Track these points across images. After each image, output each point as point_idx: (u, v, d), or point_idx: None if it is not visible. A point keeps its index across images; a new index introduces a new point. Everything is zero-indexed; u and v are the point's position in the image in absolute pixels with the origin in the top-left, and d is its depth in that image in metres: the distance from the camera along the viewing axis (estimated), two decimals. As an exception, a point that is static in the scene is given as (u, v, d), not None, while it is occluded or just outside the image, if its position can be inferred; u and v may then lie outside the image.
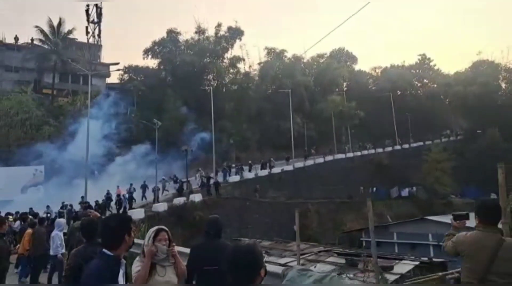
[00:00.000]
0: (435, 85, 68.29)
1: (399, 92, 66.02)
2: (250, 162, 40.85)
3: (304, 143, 50.32)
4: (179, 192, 30.42)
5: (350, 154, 49.60)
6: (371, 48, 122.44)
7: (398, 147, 54.80)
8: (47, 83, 46.13)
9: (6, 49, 48.17)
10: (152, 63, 53.98)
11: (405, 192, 45.46)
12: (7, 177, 32.26)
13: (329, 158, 47.08)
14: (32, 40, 46.93)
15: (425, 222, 27.60)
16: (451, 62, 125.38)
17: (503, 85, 60.65)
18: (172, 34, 53.69)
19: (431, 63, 73.01)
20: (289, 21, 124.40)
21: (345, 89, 68.11)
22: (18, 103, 38.18)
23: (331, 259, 17.48)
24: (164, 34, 53.81)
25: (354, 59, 73.93)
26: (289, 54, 62.95)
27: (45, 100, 43.72)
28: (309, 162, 44.76)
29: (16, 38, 48.84)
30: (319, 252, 18.77)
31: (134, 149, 36.87)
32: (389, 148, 53.64)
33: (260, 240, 23.17)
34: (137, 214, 23.56)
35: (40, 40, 45.40)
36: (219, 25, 54.76)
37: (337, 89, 64.09)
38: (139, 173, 32.72)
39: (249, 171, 39.27)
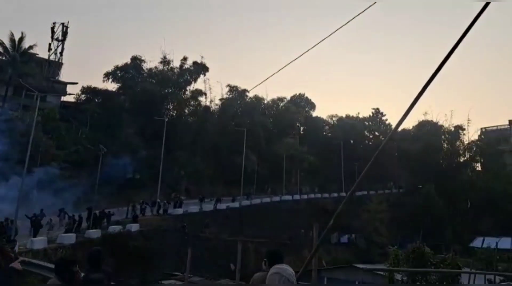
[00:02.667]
0: (384, 139, 72.25)
1: (352, 141, 69.32)
2: (200, 196, 41.38)
3: (254, 181, 51.38)
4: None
5: (297, 196, 51.05)
6: (328, 94, 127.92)
7: (343, 194, 56.94)
8: (-1, 96, 45.16)
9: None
10: (111, 86, 54.18)
11: (344, 239, 47.05)
12: None
13: (276, 198, 48.26)
14: (-12, 51, 46.21)
15: (353, 270, 28.85)
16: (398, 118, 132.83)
17: (445, 146, 65.17)
18: (136, 61, 54.40)
19: (384, 117, 77.52)
20: (253, 61, 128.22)
21: (301, 132, 70.78)
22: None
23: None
24: (128, 60, 54.46)
25: (312, 106, 77.08)
26: (250, 94, 65.07)
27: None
28: (256, 200, 45.75)
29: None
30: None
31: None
32: (335, 194, 55.65)
33: (190, 275, 23.39)
34: (67, 239, 23.42)
35: (-1, 52, 44.83)
36: (184, 58, 56.15)
37: (293, 133, 66.43)
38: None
39: (201, 203, 39.76)
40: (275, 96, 70.51)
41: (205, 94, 58.46)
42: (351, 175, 60.13)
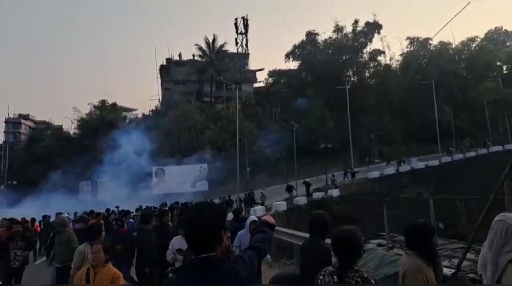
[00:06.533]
0: None
1: None
2: (388, 159, 41.10)
3: (453, 136, 47.40)
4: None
5: (509, 146, 44.85)
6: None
7: None
8: (207, 92, 53.78)
9: (174, 65, 57.67)
10: (293, 65, 57.62)
11: None
12: (180, 174, 39.37)
13: (483, 151, 43.51)
14: (193, 56, 55.22)
15: None
16: None
17: None
18: (311, 36, 56.23)
19: None
20: (428, 8, 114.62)
21: (504, 72, 61.06)
22: (185, 112, 45.60)
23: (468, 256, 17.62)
24: (303, 37, 56.80)
25: (515, 38, 65.30)
26: (434, 41, 59.49)
27: (205, 107, 51.02)
28: (459, 156, 42.29)
29: (180, 56, 57.98)
30: (455, 248, 18.80)
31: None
32: None
33: (395, 234, 23.93)
34: (280, 206, 26.83)
35: (199, 55, 53.16)
36: (356, 21, 55.28)
37: (495, 74, 57.97)
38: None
39: (400, 166, 39.54)
40: (464, 38, 62.63)
41: (383, 52, 56.51)
42: None
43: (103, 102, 51.76)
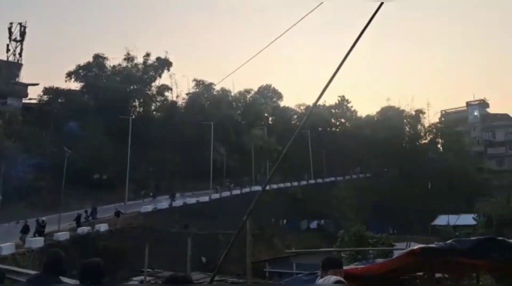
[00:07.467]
0: (350, 126, 74.24)
1: (320, 129, 70.78)
2: (175, 193, 41.88)
3: (224, 174, 51.99)
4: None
5: (267, 187, 52.01)
6: (296, 85, 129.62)
7: (312, 181, 58.41)
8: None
9: None
10: (75, 86, 53.30)
11: (314, 225, 48.51)
12: None
13: (246, 190, 49.10)
14: None
15: (321, 254, 30.11)
16: (364, 105, 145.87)
17: (407, 129, 67.71)
18: (99, 59, 53.72)
19: (349, 105, 79.43)
20: (219, 56, 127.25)
21: (270, 123, 71.73)
22: None
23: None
24: (90, 58, 53.67)
25: (280, 96, 77.93)
26: (217, 87, 65.34)
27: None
28: (226, 193, 46.44)
29: None
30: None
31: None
32: (304, 182, 56.98)
33: (159, 270, 23.98)
34: (36, 242, 23.45)
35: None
36: (147, 54, 55.94)
37: (262, 123, 67.29)
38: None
39: (173, 200, 40.16)
40: (242, 89, 71.12)
41: (171, 89, 58.52)
42: (319, 163, 61.72)
43: None
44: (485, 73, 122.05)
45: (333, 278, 3.38)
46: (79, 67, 52.26)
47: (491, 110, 76.79)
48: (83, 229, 28.48)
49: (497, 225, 26.25)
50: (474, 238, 5.57)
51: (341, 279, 3.30)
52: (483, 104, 76.73)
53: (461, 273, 7.94)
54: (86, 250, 26.62)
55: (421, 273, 6.58)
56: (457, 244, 4.88)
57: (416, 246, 5.57)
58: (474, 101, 76.28)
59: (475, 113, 75.26)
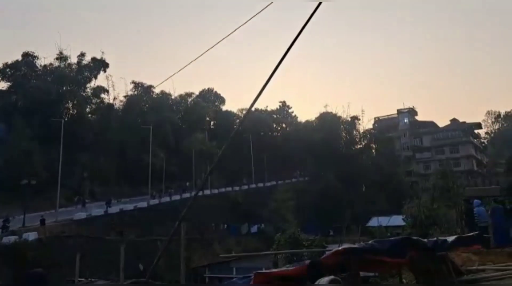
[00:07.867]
0: (291, 130, 76.14)
1: (262, 133, 71.75)
2: (111, 199, 40.15)
3: (163, 179, 50.92)
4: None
5: (207, 191, 51.75)
6: (238, 89, 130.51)
7: (253, 185, 59.04)
8: None
9: None
10: (1, 86, 49.80)
11: (254, 229, 48.95)
12: None
13: (187, 195, 48.47)
14: None
15: (260, 257, 30.51)
16: (304, 111, 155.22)
17: (343, 135, 70.74)
18: (29, 57, 50.54)
19: (290, 110, 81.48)
20: (159, 58, 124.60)
21: (212, 127, 71.48)
22: None
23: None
24: (19, 57, 50.31)
25: (222, 100, 78.16)
26: (157, 90, 64.00)
27: None
28: (165, 198, 45.56)
29: None
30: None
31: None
32: (245, 187, 57.41)
33: (93, 279, 22.97)
34: None
35: None
36: (82, 54, 53.55)
37: (204, 127, 66.86)
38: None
39: (109, 206, 38.52)
40: (183, 92, 70.32)
41: (107, 91, 56.43)
42: (260, 167, 62.55)
43: None
44: (414, 82, 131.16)
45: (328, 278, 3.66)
46: (6, 66, 48.83)
47: (419, 117, 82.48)
48: (10, 238, 26.60)
49: (422, 225, 28.15)
50: (392, 238, 6.02)
51: (337, 278, 3.59)
52: (412, 112, 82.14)
53: (385, 271, 8.49)
54: (14, 261, 24.94)
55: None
56: (377, 244, 5.27)
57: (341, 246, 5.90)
58: (404, 109, 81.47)
59: (405, 120, 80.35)
